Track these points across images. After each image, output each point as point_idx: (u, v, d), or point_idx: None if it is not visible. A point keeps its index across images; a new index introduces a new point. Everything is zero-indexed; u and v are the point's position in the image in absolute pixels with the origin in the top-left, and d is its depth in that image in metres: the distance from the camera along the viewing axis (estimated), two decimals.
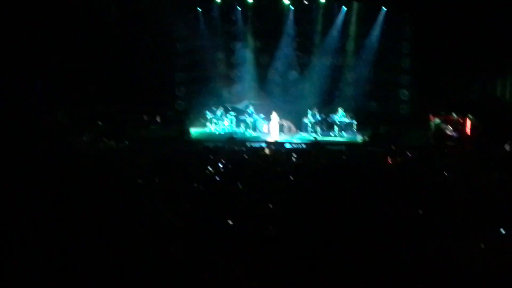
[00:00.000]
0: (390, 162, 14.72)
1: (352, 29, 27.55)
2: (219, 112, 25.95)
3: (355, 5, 27.28)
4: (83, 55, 24.20)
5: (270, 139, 23.74)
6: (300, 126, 25.63)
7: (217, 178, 10.62)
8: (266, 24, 27.74)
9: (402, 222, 6.01)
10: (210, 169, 12.05)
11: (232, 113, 26.07)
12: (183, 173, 11.40)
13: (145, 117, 26.02)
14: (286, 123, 25.55)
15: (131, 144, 20.70)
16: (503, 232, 5.95)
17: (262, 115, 25.78)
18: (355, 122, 25.12)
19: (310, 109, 25.03)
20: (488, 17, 22.33)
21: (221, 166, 12.63)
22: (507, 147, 20.10)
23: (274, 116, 24.76)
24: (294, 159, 14.82)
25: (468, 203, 8.06)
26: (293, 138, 24.02)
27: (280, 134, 24.80)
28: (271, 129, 24.83)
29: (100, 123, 23.36)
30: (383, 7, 26.62)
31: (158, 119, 26.09)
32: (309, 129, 25.09)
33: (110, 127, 22.97)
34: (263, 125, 25.94)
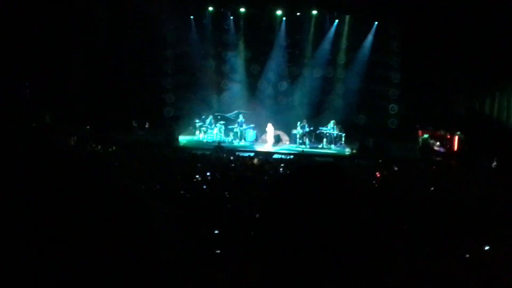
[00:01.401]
0: (378, 176, 14.76)
1: (344, 41, 27.73)
2: (208, 120, 25.88)
3: (347, 18, 27.44)
4: (73, 58, 24.11)
5: (264, 149, 23.74)
6: (289, 137, 25.68)
7: (204, 186, 10.59)
8: (258, 34, 27.85)
9: (385, 235, 6.02)
10: (197, 177, 12.03)
11: (221, 121, 26.02)
12: (170, 180, 11.37)
13: (133, 122, 25.92)
14: (282, 134, 25.63)
15: (118, 149, 20.62)
16: (487, 248, 5.98)
17: (251, 125, 25.78)
18: (343, 134, 25.17)
19: (300, 121, 25.04)
20: (477, 34, 22.51)
21: (208, 174, 12.61)
22: (493, 163, 20.25)
23: (270, 127, 24.77)
24: (281, 170, 14.81)
25: (453, 218, 8.09)
26: (281, 149, 24.03)
27: (274, 145, 24.83)
28: (267, 140, 24.85)
29: (87, 127, 23.22)
30: (375, 21, 26.79)
31: (146, 124, 26.00)
32: (298, 140, 25.12)
33: (97, 131, 22.85)
34: (252, 135, 25.97)
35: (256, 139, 26.11)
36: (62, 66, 23.60)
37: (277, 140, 25.40)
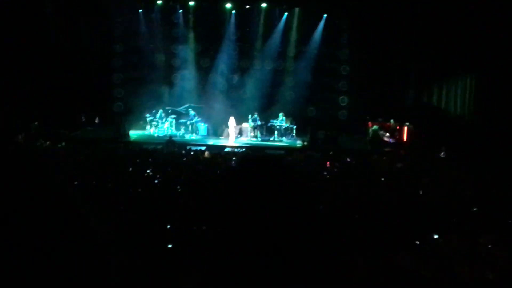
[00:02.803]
0: (328, 166, 14.90)
1: (293, 34, 27.85)
2: (158, 114, 25.64)
3: (297, 10, 27.56)
4: (19, 53, 23.53)
5: (228, 143, 23.66)
6: (240, 130, 25.66)
7: (156, 181, 10.50)
8: (208, 28, 27.75)
9: (336, 227, 6.08)
10: (149, 171, 11.91)
11: (172, 116, 25.81)
12: (121, 175, 11.23)
13: (82, 118, 25.50)
14: (244, 128, 25.57)
15: (68, 145, 20.27)
16: (436, 237, 6.09)
17: (200, 118, 25.66)
18: (294, 126, 25.31)
19: (251, 113, 25.04)
20: (424, 25, 22.92)
21: (159, 169, 12.50)
22: (442, 153, 20.69)
23: (232, 120, 24.63)
24: (233, 163, 14.80)
25: (403, 208, 8.22)
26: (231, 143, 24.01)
27: (237, 138, 24.77)
28: (230, 133, 24.73)
29: (36, 123, 22.73)
30: (324, 14, 27.00)
31: (96, 120, 25.63)
32: (249, 133, 25.15)
33: (46, 127, 22.39)
34: (203, 129, 25.89)
35: (208, 133, 26.02)
36: (9, 61, 22.99)
37: (240, 133, 25.36)
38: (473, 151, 18.94)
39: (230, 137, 24.65)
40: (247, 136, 25.40)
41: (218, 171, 12.16)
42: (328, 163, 15.43)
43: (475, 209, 8.34)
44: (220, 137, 25.24)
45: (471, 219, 7.53)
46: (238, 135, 25.16)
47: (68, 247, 0.85)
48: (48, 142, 20.40)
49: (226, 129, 25.25)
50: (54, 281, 0.83)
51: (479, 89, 22.53)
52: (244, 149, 21.84)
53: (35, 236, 0.81)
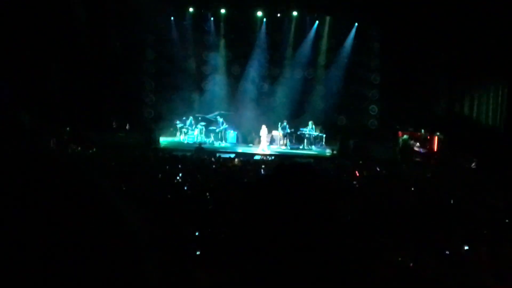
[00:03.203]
0: (358, 175, 14.81)
1: (324, 42, 27.83)
2: (189, 121, 25.80)
3: (328, 19, 27.54)
4: (52, 58, 23.89)
5: (260, 151, 23.70)
6: (271, 138, 25.70)
7: (185, 188, 10.55)
8: (239, 35, 27.88)
9: (366, 234, 6.05)
10: (178, 178, 11.98)
11: (202, 123, 25.95)
12: (152, 181, 11.31)
13: (113, 124, 25.76)
14: (274, 136, 25.61)
15: (98, 150, 20.48)
16: (466, 248, 6.02)
17: (228, 126, 25.77)
18: (324, 135, 25.26)
19: (280, 122, 25.04)
20: (456, 34, 22.73)
21: (189, 176, 12.57)
22: (473, 164, 20.43)
23: (264, 129, 24.64)
24: (262, 171, 14.81)
25: (433, 218, 8.15)
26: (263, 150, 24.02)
27: (269, 146, 24.78)
28: (261, 141, 24.76)
29: (67, 128, 23.02)
30: (355, 22, 26.94)
31: (127, 126, 25.87)
32: (279, 141, 25.18)
33: (77, 133, 22.66)
34: (233, 136, 26.00)
35: (237, 141, 26.11)
36: (41, 67, 23.36)
37: (272, 141, 25.41)
38: (504, 162, 18.69)
39: (261, 145, 24.65)
40: (277, 144, 25.40)
41: (245, 180, 12.18)
42: (357, 172, 15.34)
43: (507, 220, 8.24)
44: (250, 145, 25.30)
45: (503, 231, 7.44)
46: (269, 143, 25.18)
47: (108, 249, 0.88)
48: (79, 148, 20.64)
49: (258, 137, 25.25)
50: (94, 281, 0.86)
51: (511, 98, 22.24)
52: (273, 157, 21.83)
53: (73, 240, 0.84)
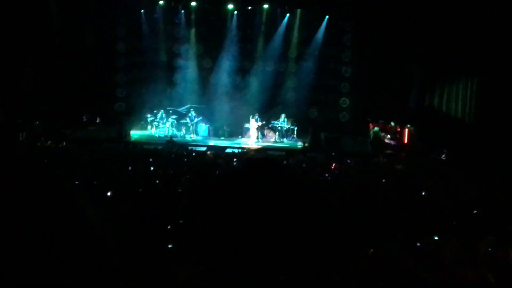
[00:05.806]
0: (333, 168, 14.91)
1: (295, 35, 27.83)
2: (160, 114, 25.64)
3: (299, 12, 27.54)
4: (22, 51, 23.57)
5: (248, 145, 23.63)
6: (241, 132, 25.67)
7: (157, 181, 10.51)
8: (210, 28, 27.75)
9: (338, 227, 6.09)
10: (150, 171, 11.93)
11: (173, 116, 25.81)
12: (122, 175, 11.24)
13: (84, 117, 25.50)
14: (266, 129, 25.55)
15: (69, 145, 20.29)
16: (436, 238, 6.09)
17: (201, 119, 25.70)
18: (295, 128, 25.31)
19: (252, 114, 24.99)
20: (427, 27, 22.95)
21: (160, 169, 12.52)
22: (443, 156, 20.69)
23: (253, 122, 24.53)
24: (234, 164, 14.81)
25: (404, 210, 8.23)
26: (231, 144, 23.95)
27: (257, 140, 24.66)
28: (251, 135, 24.65)
29: (37, 122, 22.72)
30: (326, 15, 26.99)
31: (97, 119, 25.62)
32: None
33: (48, 127, 22.39)
34: (204, 129, 25.94)
35: (209, 134, 26.04)
36: (12, 61, 23.02)
37: (262, 134, 25.35)
38: (474, 154, 18.95)
39: (251, 138, 24.54)
40: (267, 137, 25.48)
41: (217, 172, 12.17)
42: (334, 164, 15.44)
43: (475, 211, 8.35)
44: (222, 138, 25.24)
45: (472, 222, 7.54)
46: (259, 137, 25.04)
47: (69, 245, 0.86)
48: (49, 142, 20.41)
49: (247, 130, 25.10)
50: (55, 279, 0.83)
51: (481, 91, 22.52)
52: (244, 150, 21.81)
53: (36, 235, 0.82)
